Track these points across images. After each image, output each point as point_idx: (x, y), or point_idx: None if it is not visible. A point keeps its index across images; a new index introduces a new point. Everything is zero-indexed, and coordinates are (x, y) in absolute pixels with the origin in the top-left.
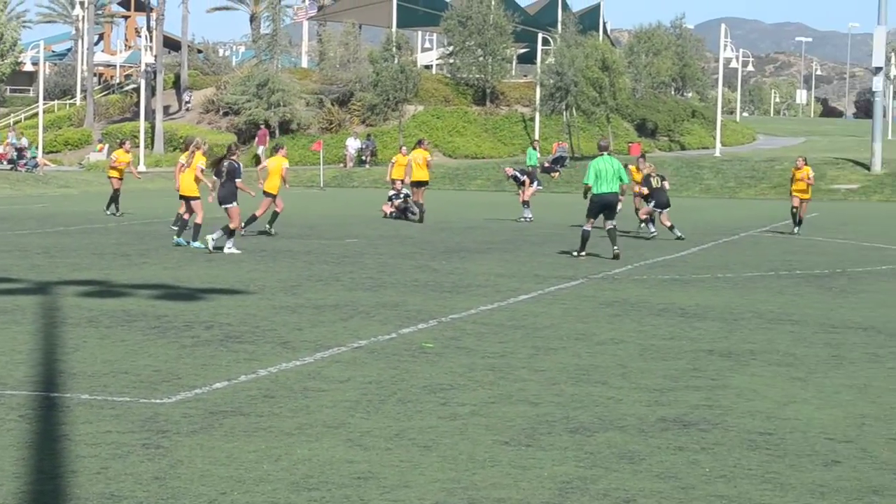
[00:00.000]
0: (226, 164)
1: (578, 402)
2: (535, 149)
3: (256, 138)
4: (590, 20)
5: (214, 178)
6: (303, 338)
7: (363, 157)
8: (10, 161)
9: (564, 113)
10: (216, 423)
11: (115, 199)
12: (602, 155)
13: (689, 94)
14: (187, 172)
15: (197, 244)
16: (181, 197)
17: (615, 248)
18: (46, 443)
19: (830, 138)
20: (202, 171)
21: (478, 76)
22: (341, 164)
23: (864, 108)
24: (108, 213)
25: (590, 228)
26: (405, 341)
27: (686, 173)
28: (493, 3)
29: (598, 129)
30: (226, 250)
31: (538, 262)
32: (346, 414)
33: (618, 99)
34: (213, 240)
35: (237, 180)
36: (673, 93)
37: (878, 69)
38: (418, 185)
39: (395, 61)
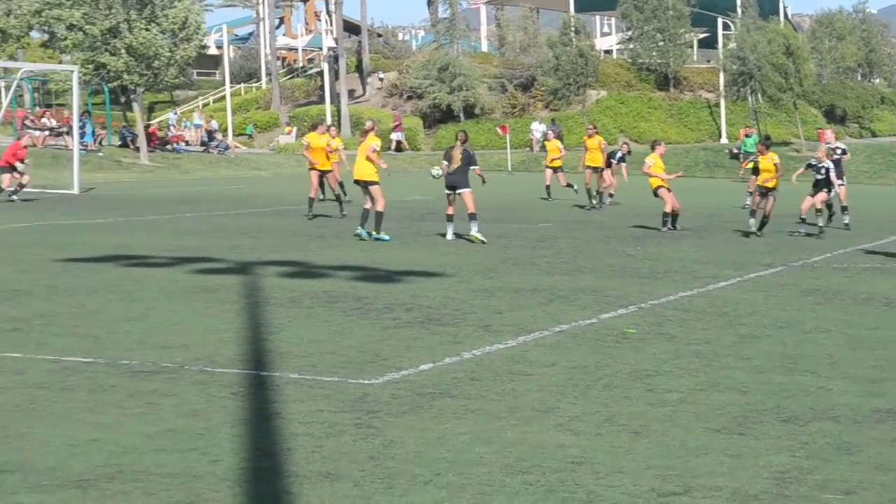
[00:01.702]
0: (460, 151)
1: (788, 392)
2: (749, 136)
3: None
4: (770, 4)
5: (444, 162)
6: (504, 321)
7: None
8: (203, 143)
9: (750, 98)
10: (425, 405)
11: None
12: None
13: (877, 80)
14: (359, 156)
15: (382, 236)
16: (357, 182)
17: None
18: (260, 420)
19: None
20: (374, 151)
21: (659, 61)
22: (527, 148)
23: None
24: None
25: None
26: (606, 326)
27: (879, 161)
28: None
29: (785, 116)
30: (473, 232)
31: (734, 249)
32: (554, 398)
33: (804, 85)
34: (478, 233)
35: (475, 167)
36: (859, 79)
37: None
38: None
39: (574, 46)
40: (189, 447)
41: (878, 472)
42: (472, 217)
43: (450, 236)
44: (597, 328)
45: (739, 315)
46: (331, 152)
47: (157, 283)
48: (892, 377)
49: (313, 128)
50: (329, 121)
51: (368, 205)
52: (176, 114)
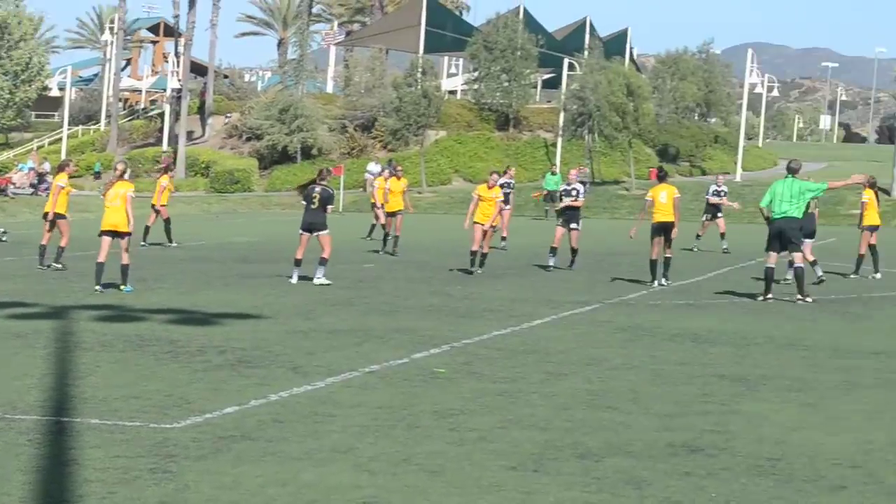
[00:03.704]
0: (318, 189)
1: (588, 428)
2: (553, 174)
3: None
4: (617, 46)
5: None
6: (315, 362)
7: None
8: (32, 185)
9: (586, 138)
10: (224, 448)
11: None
12: (786, 177)
13: (713, 120)
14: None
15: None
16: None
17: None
18: (55, 467)
19: (853, 164)
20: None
21: (502, 101)
22: (362, 189)
23: (887, 134)
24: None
25: (772, 265)
26: (417, 366)
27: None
28: (519, 27)
29: (619, 155)
30: (319, 278)
31: (553, 287)
32: (355, 439)
33: (641, 124)
34: (323, 278)
35: (329, 207)
36: (697, 118)
37: None
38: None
39: (419, 86)
40: None
41: None
42: (323, 262)
43: (294, 280)
44: (407, 368)
45: (550, 353)
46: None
47: None
48: (691, 411)
49: (60, 168)
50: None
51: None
52: None
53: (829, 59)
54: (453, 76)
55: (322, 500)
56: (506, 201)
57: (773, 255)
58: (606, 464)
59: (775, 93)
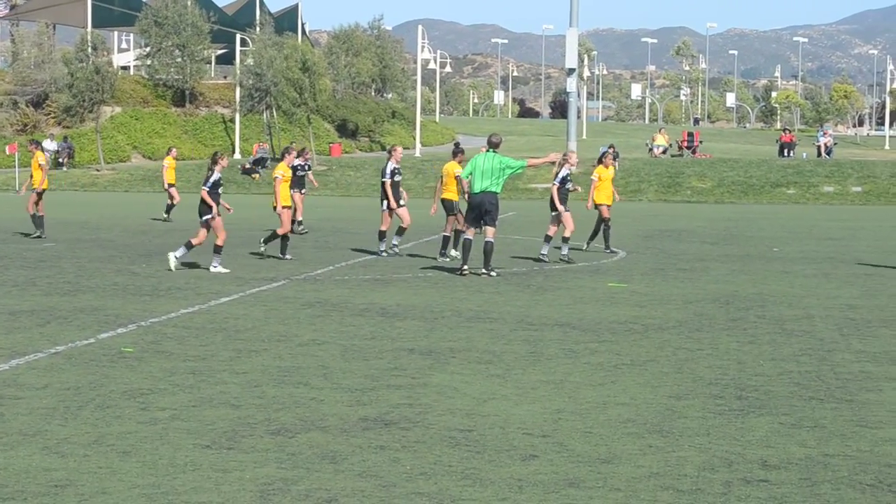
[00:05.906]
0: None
1: (280, 404)
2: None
3: None
4: (288, 21)
5: None
6: None
7: (60, 160)
8: None
9: (265, 114)
10: None
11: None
12: (486, 151)
13: (390, 95)
14: None
15: None
16: None
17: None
18: None
19: (528, 138)
20: None
21: (176, 77)
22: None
23: (560, 109)
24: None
25: (470, 237)
26: (104, 346)
27: None
28: (189, 3)
29: (298, 130)
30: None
31: (240, 264)
32: (43, 421)
33: (318, 100)
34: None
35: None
36: (373, 94)
37: (572, 70)
38: None
39: (90, 62)
40: None
41: (361, 479)
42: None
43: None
44: (94, 348)
45: (238, 330)
46: None
47: None
48: (382, 385)
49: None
50: None
51: None
52: None
53: (499, 35)
54: (125, 51)
55: (12, 484)
56: (302, 185)
57: (472, 228)
58: (301, 439)
59: (448, 69)
